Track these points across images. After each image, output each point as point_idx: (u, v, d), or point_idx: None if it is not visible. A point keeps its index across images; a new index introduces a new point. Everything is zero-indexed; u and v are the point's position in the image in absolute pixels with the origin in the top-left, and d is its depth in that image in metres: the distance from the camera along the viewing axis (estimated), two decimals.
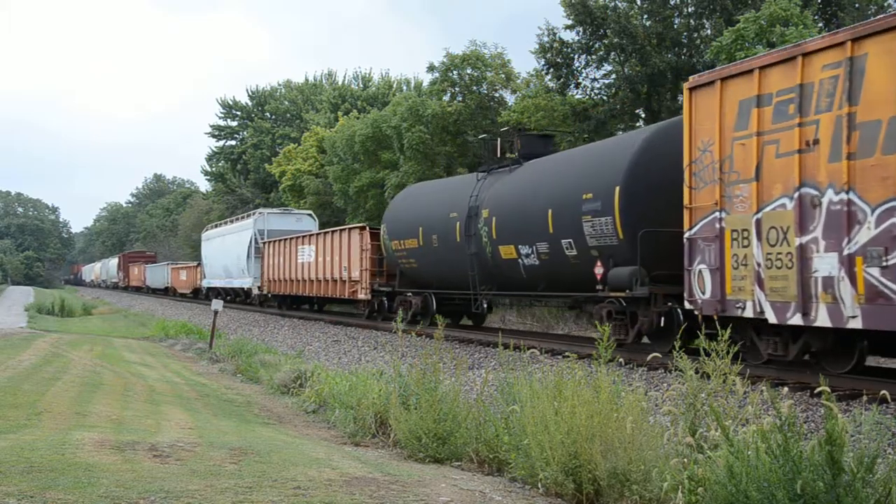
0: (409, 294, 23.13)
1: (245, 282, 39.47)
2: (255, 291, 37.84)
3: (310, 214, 39.03)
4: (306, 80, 66.14)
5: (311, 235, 30.83)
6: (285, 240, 33.36)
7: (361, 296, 25.53)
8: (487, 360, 16.66)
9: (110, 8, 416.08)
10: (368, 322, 25.74)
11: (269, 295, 36.56)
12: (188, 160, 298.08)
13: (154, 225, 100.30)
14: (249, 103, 67.15)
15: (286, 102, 64.47)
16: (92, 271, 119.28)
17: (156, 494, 5.39)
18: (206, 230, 49.89)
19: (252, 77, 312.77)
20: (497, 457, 7.24)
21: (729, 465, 4.86)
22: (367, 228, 25.44)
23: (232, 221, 44.50)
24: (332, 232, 28.09)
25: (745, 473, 4.76)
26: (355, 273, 25.70)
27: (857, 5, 23.96)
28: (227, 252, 42.25)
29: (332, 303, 29.25)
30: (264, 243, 36.39)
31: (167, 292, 63.17)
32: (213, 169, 70.02)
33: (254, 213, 39.32)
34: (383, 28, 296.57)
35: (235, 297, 43.97)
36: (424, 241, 21.27)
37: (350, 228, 26.66)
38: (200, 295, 50.75)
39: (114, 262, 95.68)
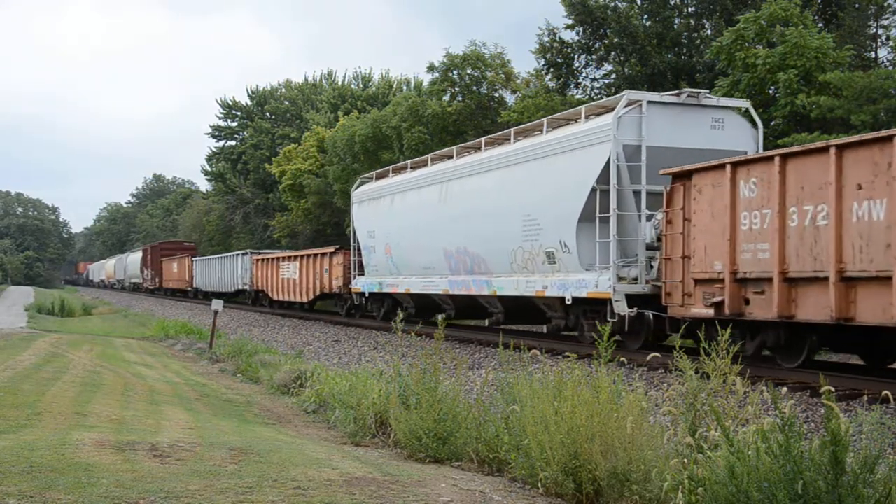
0: None
1: (580, 284, 15.13)
2: (623, 309, 13.88)
3: (744, 111, 16.03)
4: (306, 79, 66.15)
5: None
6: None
7: None
8: (487, 360, 16.65)
9: (111, 8, 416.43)
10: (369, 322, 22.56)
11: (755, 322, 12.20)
12: (188, 160, 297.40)
13: (154, 225, 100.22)
14: (249, 103, 67.15)
15: (286, 102, 64.47)
16: (102, 270, 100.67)
17: (156, 494, 5.39)
18: (365, 182, 26.68)
19: (255, 77, 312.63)
20: (497, 457, 7.23)
21: (730, 466, 4.85)
22: None
23: (496, 143, 19.18)
24: None
25: (746, 474, 4.76)
26: None
27: (857, 5, 23.95)
28: (475, 216, 18.75)
29: None
30: (694, 173, 12.88)
31: (239, 298, 42.08)
32: (213, 169, 69.97)
33: (615, 104, 14.90)
34: (390, 29, 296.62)
35: (482, 316, 21.53)
36: None
37: None
38: (340, 305, 29.42)
39: (135, 256, 74.68)
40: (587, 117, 15.69)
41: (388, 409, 8.89)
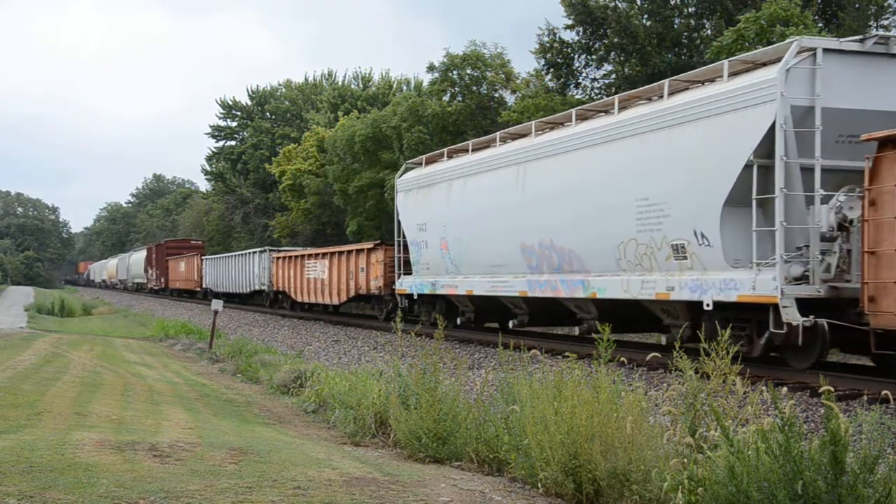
0: None
1: (726, 285, 12.26)
2: (795, 317, 11.06)
3: None
4: (306, 79, 66.15)
5: None
6: None
7: None
8: (487, 360, 16.66)
9: (111, 7, 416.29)
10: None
11: None
12: (188, 160, 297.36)
13: (154, 225, 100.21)
14: (249, 103, 67.15)
15: (286, 102, 64.45)
16: (104, 270, 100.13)
17: (156, 494, 5.39)
18: (412, 168, 23.46)
19: (255, 77, 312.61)
20: (497, 457, 7.24)
21: (730, 466, 4.85)
22: None
23: (590, 116, 16.18)
24: None
25: (746, 474, 4.76)
26: None
27: (857, 5, 23.96)
28: (565, 204, 15.83)
29: None
30: None
31: (255, 300, 39.34)
32: (213, 169, 69.97)
33: (779, 55, 11.87)
34: (390, 29, 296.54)
35: (565, 323, 19.14)
36: None
37: None
38: (379, 308, 26.04)
39: (139, 255, 72.30)
40: (732, 74, 12.56)
41: (388, 409, 8.90)
